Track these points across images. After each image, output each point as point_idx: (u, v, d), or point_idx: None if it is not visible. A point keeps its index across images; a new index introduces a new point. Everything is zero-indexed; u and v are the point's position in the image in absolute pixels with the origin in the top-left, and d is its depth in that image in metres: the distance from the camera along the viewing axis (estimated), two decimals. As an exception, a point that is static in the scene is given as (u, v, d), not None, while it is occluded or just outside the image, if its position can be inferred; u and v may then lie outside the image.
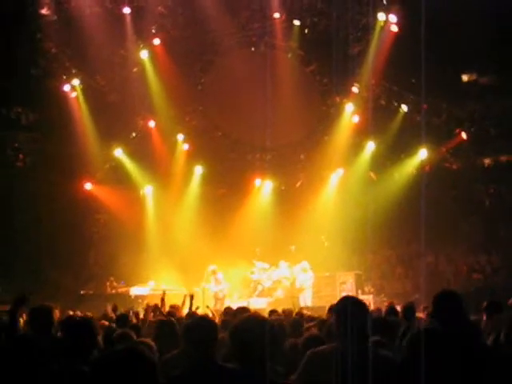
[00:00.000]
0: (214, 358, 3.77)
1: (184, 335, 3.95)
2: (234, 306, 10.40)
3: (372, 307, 12.43)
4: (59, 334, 5.33)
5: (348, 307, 4.22)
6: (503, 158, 20.65)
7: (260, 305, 16.42)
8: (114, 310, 10.47)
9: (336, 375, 3.87)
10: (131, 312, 9.52)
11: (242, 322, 3.67)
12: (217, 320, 9.43)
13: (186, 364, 3.84)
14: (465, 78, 20.96)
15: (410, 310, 7.41)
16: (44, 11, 17.79)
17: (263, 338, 3.43)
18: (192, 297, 9.41)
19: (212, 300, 16.83)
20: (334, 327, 4.31)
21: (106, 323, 8.20)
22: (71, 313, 10.12)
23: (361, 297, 15.54)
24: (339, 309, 4.28)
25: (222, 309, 15.81)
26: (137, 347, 2.72)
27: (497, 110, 19.60)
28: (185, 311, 9.30)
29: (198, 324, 4.00)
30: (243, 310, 7.75)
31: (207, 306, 12.37)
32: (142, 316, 9.78)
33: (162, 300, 9.79)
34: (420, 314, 8.23)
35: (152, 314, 9.31)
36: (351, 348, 3.99)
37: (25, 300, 5.31)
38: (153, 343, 4.96)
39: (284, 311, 9.32)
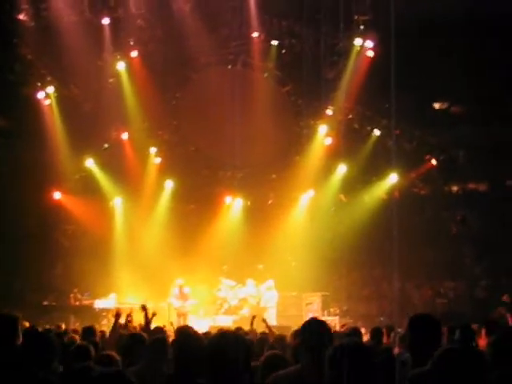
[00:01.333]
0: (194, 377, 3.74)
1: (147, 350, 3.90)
2: (200, 323, 10.37)
3: (337, 329, 12.44)
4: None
5: (311, 327, 4.26)
6: (471, 186, 21.05)
7: (225, 322, 16.33)
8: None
9: None
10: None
11: (214, 338, 3.66)
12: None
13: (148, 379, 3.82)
14: (436, 105, 21.36)
15: (377, 332, 7.45)
16: (21, 16, 17.66)
17: (237, 354, 3.42)
18: (144, 308, 8.86)
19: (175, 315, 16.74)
20: (299, 349, 4.33)
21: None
22: (27, 324, 9.85)
23: (326, 318, 15.59)
24: (304, 328, 4.32)
25: (185, 324, 15.77)
26: (123, 373, 2.68)
27: (467, 139, 19.99)
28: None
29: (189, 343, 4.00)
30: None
31: (171, 323, 12.24)
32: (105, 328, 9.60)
33: (129, 315, 9.64)
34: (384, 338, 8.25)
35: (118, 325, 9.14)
36: (317, 369, 3.99)
37: None
38: (117, 356, 4.91)
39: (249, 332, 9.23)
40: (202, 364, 3.63)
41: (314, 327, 4.26)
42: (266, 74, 20.43)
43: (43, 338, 4.79)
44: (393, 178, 19.91)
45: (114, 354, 5.10)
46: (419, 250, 18.96)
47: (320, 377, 3.85)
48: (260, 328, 10.19)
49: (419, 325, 4.34)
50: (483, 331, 6.16)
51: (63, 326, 11.04)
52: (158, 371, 4.67)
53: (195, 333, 4.43)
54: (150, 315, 8.39)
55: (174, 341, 3.88)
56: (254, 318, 10.19)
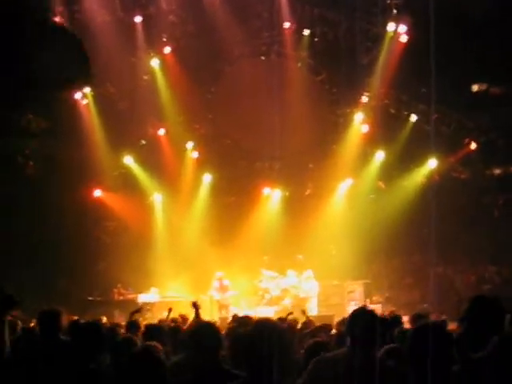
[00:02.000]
0: (219, 364, 3.76)
1: (189, 340, 3.94)
2: (241, 314, 10.41)
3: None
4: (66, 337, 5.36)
5: (359, 316, 4.23)
6: (512, 169, 20.63)
7: (267, 313, 16.36)
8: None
9: (343, 381, 3.85)
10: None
11: (251, 328, 3.65)
12: (221, 328, 9.41)
13: (190, 369, 3.85)
14: (475, 87, 20.94)
15: (420, 319, 7.33)
16: (57, 19, 17.95)
17: (272, 344, 3.36)
18: (195, 305, 8.94)
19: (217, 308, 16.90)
20: (346, 336, 4.32)
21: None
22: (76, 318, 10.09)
23: (369, 306, 15.51)
24: (350, 317, 4.30)
25: (228, 315, 15.93)
26: (150, 349, 2.73)
27: (506, 121, 19.55)
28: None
29: (203, 330, 4.01)
30: (248, 318, 7.80)
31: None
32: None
33: (170, 310, 9.77)
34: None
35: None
36: (359, 355, 3.98)
37: (12, 303, 4.65)
38: (160, 346, 4.97)
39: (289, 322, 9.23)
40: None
41: (363, 318, 4.25)
42: (299, 64, 20.35)
43: (91, 329, 4.88)
44: (432, 163, 19.65)
45: (156, 344, 5.16)
46: (461, 235, 18.69)
47: (364, 361, 3.86)
48: (302, 320, 10.19)
49: (482, 308, 4.11)
50: None
51: (104, 319, 11.21)
52: (196, 363, 4.69)
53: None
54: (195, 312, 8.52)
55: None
56: (303, 311, 10.22)
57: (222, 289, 17.46)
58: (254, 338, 3.47)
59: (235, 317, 9.03)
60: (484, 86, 20.95)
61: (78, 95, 19.05)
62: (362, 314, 4.28)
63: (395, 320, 7.04)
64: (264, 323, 3.67)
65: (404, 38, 18.55)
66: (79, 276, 18.65)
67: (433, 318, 9.70)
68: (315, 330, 7.44)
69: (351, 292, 18.16)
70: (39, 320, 5.40)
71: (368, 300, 17.85)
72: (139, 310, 8.57)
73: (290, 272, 18.19)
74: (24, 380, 3.86)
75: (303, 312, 10.42)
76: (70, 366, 4.13)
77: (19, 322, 7.17)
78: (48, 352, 4.12)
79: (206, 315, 12.06)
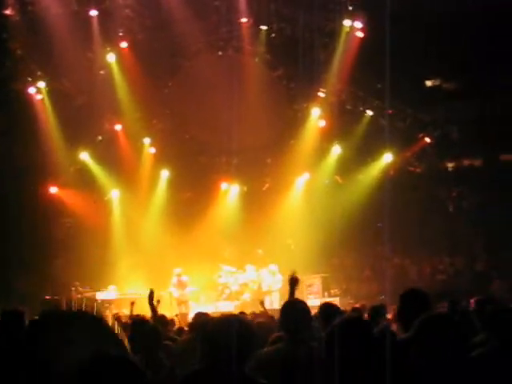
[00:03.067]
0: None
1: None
2: (201, 310, 10.45)
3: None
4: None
5: (288, 310, 4.40)
6: (466, 162, 21.10)
7: (227, 308, 16.46)
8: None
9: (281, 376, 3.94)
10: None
11: (214, 321, 3.71)
12: (182, 323, 9.46)
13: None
14: (429, 83, 21.35)
15: (377, 310, 7.51)
16: (8, 12, 17.57)
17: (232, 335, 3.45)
18: (152, 293, 8.73)
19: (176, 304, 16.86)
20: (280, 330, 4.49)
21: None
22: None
23: (327, 299, 15.69)
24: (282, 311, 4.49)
25: (187, 311, 15.90)
26: (128, 356, 2.59)
27: (460, 115, 20.01)
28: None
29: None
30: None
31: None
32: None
33: (132, 304, 9.72)
34: (389, 316, 8.33)
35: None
36: (292, 348, 4.10)
37: None
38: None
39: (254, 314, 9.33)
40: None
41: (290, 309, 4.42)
42: (256, 59, 20.39)
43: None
44: (387, 158, 19.97)
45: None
46: (417, 227, 19.05)
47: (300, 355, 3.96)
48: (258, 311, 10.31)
49: (407, 298, 4.59)
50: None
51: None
52: (155, 361, 4.72)
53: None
54: (155, 302, 8.49)
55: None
56: (261, 302, 10.28)
57: (181, 285, 17.43)
58: (220, 328, 3.54)
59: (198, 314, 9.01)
60: (437, 81, 21.38)
61: (31, 90, 18.68)
62: (292, 307, 4.47)
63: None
64: (230, 316, 3.79)
65: (360, 34, 18.77)
66: (36, 275, 18.35)
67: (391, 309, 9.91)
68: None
69: (310, 286, 18.33)
70: (2, 323, 5.32)
71: (326, 293, 18.06)
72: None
73: (249, 267, 18.28)
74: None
75: (261, 303, 10.48)
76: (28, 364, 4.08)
77: None
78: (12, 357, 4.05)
79: (166, 311, 12.01)
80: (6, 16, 17.53)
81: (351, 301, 16.95)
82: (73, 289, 17.99)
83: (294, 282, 7.84)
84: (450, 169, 21.07)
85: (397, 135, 19.58)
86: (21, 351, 4.41)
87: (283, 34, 19.54)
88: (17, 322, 5.12)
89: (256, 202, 20.52)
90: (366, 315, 7.81)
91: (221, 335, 3.50)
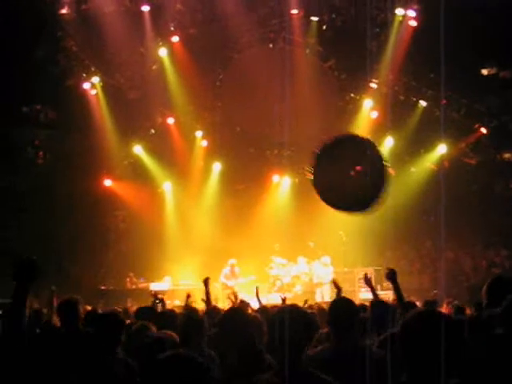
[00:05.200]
0: None
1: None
2: (253, 301, 10.46)
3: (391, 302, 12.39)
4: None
5: (333, 309, 4.35)
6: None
7: (279, 300, 16.45)
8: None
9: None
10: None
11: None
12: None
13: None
14: (484, 72, 20.79)
15: (432, 305, 7.42)
16: (64, 10, 17.97)
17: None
18: (207, 281, 8.85)
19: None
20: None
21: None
22: (89, 308, 10.15)
23: (380, 292, 15.51)
24: (329, 310, 4.45)
25: (237, 303, 15.93)
26: (189, 355, 2.63)
27: (517, 105, 19.47)
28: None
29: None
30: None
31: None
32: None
33: (188, 296, 9.79)
34: (443, 310, 8.20)
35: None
36: (342, 348, 4.04)
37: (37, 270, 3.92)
38: (176, 336, 5.00)
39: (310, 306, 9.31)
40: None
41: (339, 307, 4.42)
42: (307, 51, 20.25)
43: (111, 320, 4.86)
44: (441, 149, 19.59)
45: (171, 333, 5.17)
46: (472, 220, 18.65)
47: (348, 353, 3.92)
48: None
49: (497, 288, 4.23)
50: None
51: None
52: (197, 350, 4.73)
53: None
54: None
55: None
56: (305, 302, 10.23)
57: (233, 276, 17.55)
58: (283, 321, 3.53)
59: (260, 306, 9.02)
60: (494, 70, 20.79)
61: (86, 85, 19.08)
62: (341, 304, 4.45)
63: (409, 306, 7.13)
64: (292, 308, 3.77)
65: (413, 23, 18.43)
66: (91, 265, 18.80)
67: (444, 303, 9.75)
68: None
69: (362, 279, 18.14)
70: (60, 309, 5.50)
71: (379, 286, 17.85)
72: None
73: (301, 259, 18.24)
74: (44, 370, 3.91)
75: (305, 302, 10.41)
76: (92, 357, 4.18)
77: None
78: (69, 343, 4.18)
79: (218, 303, 12.12)
80: (61, 15, 17.92)
81: (405, 295, 16.71)
82: (127, 279, 18.35)
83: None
84: (506, 160, 20.50)
85: (451, 126, 19.17)
86: (76, 337, 4.53)
87: (334, 24, 19.36)
88: (72, 310, 5.30)
89: (308, 194, 20.11)
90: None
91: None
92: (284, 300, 9.97)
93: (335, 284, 8.06)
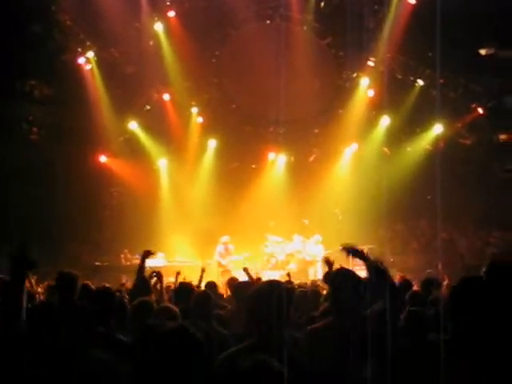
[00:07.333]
0: None
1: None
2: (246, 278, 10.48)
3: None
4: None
5: (335, 280, 4.29)
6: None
7: (273, 277, 16.50)
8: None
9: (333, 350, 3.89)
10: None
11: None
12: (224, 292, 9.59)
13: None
14: (482, 51, 20.67)
15: (429, 283, 7.48)
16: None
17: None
18: (203, 270, 9.43)
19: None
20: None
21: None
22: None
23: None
24: (329, 282, 4.38)
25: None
26: (187, 327, 2.66)
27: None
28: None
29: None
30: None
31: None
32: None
33: (178, 274, 9.85)
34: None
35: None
36: (343, 322, 4.02)
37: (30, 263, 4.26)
38: (175, 308, 5.02)
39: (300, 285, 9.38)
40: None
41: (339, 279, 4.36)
42: (305, 27, 20.07)
43: (104, 294, 4.93)
44: (438, 129, 19.56)
45: (172, 306, 5.19)
46: (467, 200, 18.69)
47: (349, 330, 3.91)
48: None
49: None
50: None
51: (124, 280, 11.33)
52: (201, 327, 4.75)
53: None
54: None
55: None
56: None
57: (228, 253, 17.59)
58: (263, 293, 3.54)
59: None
60: (492, 50, 20.68)
61: (81, 60, 18.88)
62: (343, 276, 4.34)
63: (406, 285, 7.21)
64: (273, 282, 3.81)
65: (412, 1, 18.27)
66: (86, 241, 18.79)
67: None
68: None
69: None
70: (58, 282, 5.52)
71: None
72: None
73: (296, 237, 18.29)
74: (43, 343, 3.92)
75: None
76: (87, 330, 4.20)
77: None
78: (66, 316, 4.19)
79: (213, 279, 12.12)
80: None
81: (398, 273, 16.78)
82: (122, 256, 18.37)
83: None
84: (502, 140, 20.49)
85: (448, 106, 19.12)
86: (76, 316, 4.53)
87: (332, 1, 19.18)
88: (70, 284, 5.34)
89: (303, 172, 20.43)
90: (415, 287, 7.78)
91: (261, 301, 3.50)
92: (289, 275, 10.08)
93: (327, 261, 8.09)
